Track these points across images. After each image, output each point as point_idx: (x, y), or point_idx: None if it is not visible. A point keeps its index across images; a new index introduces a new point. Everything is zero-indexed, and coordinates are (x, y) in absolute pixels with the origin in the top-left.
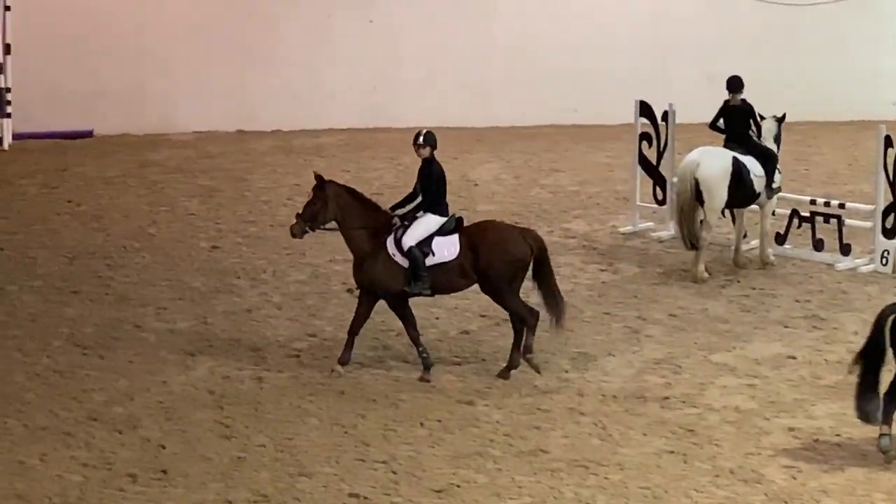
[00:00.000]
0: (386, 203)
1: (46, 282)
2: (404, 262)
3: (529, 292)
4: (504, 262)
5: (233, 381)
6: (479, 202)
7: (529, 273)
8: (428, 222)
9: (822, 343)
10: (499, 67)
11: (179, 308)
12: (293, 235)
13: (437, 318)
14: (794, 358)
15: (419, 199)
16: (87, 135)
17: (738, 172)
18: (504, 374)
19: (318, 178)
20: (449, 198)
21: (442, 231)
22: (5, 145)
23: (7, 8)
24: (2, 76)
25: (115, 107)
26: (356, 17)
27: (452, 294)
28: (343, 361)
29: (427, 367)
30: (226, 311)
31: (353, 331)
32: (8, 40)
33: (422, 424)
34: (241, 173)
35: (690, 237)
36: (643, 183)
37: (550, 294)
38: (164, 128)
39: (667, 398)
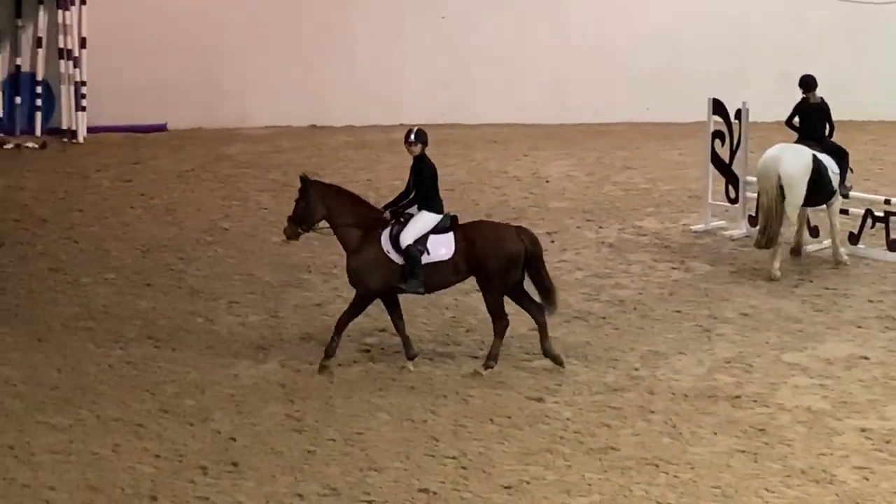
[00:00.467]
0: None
1: (120, 274)
2: (398, 259)
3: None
4: (498, 258)
5: (303, 374)
6: (551, 199)
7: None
8: (424, 220)
9: (895, 343)
10: (572, 64)
11: (251, 302)
12: (287, 238)
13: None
14: (866, 358)
15: (412, 196)
16: (161, 129)
17: (818, 170)
18: (479, 374)
19: (303, 178)
20: (521, 194)
21: (437, 229)
22: (80, 138)
23: (83, 2)
24: (77, 70)
25: (189, 101)
26: (428, 13)
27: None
28: (329, 355)
29: (410, 357)
30: (297, 305)
31: (340, 329)
32: (84, 34)
33: (492, 421)
34: (312, 168)
35: (774, 234)
36: (715, 181)
37: (543, 282)
38: (237, 122)
39: (738, 397)
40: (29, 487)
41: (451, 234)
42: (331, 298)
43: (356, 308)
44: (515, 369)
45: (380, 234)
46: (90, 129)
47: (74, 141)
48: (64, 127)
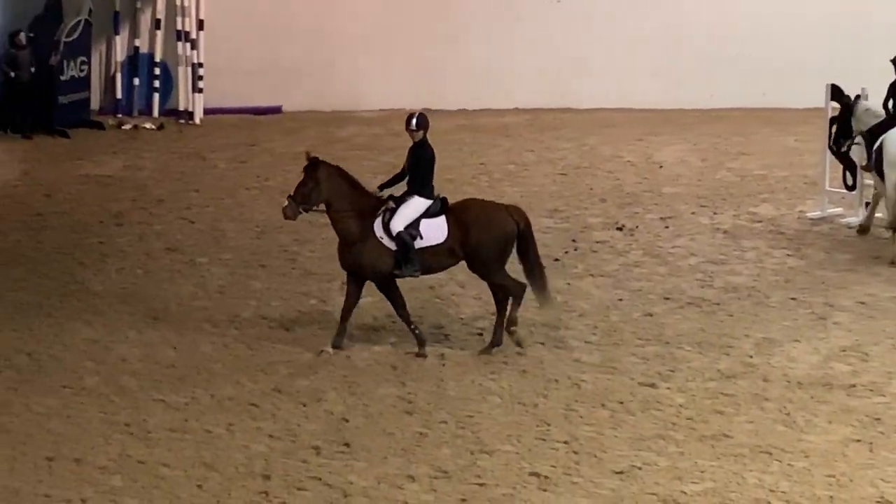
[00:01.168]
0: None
1: (235, 255)
2: (391, 245)
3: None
4: (492, 239)
5: (415, 357)
6: (665, 184)
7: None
8: (415, 205)
9: None
10: (687, 49)
11: (366, 284)
12: (286, 217)
13: (620, 300)
14: None
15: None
16: (277, 111)
17: None
18: (487, 350)
19: (312, 158)
20: (634, 180)
21: (428, 213)
22: (197, 120)
23: None
24: (195, 52)
25: (304, 84)
26: None
27: (636, 277)
28: (336, 346)
29: (421, 342)
30: (410, 287)
31: (345, 317)
32: (202, 16)
33: (603, 406)
34: None
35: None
36: (832, 168)
37: (534, 267)
38: (351, 105)
39: (853, 386)
40: (145, 464)
41: (443, 218)
42: (444, 281)
43: (390, 297)
44: (628, 354)
45: (370, 226)
46: (206, 111)
47: (191, 122)
48: (181, 108)
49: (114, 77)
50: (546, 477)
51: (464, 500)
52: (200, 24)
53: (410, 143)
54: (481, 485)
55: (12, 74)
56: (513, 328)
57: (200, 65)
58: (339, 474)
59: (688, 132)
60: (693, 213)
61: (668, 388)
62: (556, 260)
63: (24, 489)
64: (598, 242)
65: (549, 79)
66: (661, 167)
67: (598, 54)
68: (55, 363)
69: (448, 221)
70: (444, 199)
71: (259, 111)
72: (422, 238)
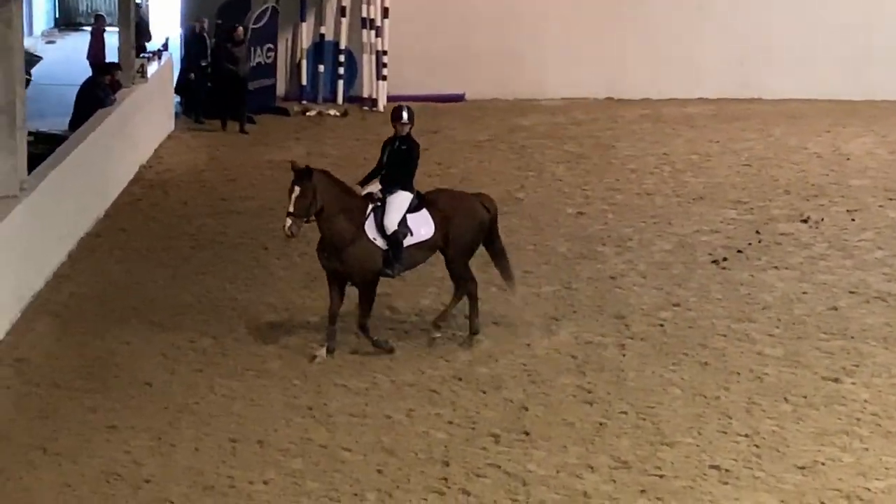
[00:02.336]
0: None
1: None
2: (383, 245)
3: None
4: (471, 228)
5: (595, 347)
6: (852, 177)
7: None
8: (402, 201)
9: None
10: (876, 39)
11: (544, 272)
12: (291, 235)
13: (804, 293)
14: None
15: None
16: (459, 98)
17: None
18: (468, 342)
19: (303, 169)
20: (820, 171)
21: (410, 208)
22: (380, 107)
23: None
24: (379, 39)
25: (487, 72)
26: None
27: (821, 270)
28: (330, 350)
29: (383, 347)
30: (590, 277)
31: (333, 321)
32: (386, 4)
33: (786, 399)
34: (608, 140)
35: None
36: None
37: (500, 255)
38: (534, 93)
39: None
40: (326, 448)
41: (425, 212)
42: (625, 271)
43: (370, 298)
44: (812, 349)
45: (363, 224)
46: (390, 98)
47: (374, 109)
48: (365, 95)
49: (299, 64)
50: (727, 470)
51: (643, 491)
52: (385, 12)
53: (595, 134)
54: (661, 476)
55: (230, 68)
56: (442, 323)
57: (385, 52)
58: (518, 462)
59: (876, 124)
60: (881, 206)
61: (853, 384)
62: (740, 252)
63: (208, 470)
64: (782, 234)
65: (734, 68)
66: (848, 159)
67: (784, 44)
68: (239, 346)
69: (431, 214)
70: (418, 192)
71: (442, 98)
72: (412, 234)
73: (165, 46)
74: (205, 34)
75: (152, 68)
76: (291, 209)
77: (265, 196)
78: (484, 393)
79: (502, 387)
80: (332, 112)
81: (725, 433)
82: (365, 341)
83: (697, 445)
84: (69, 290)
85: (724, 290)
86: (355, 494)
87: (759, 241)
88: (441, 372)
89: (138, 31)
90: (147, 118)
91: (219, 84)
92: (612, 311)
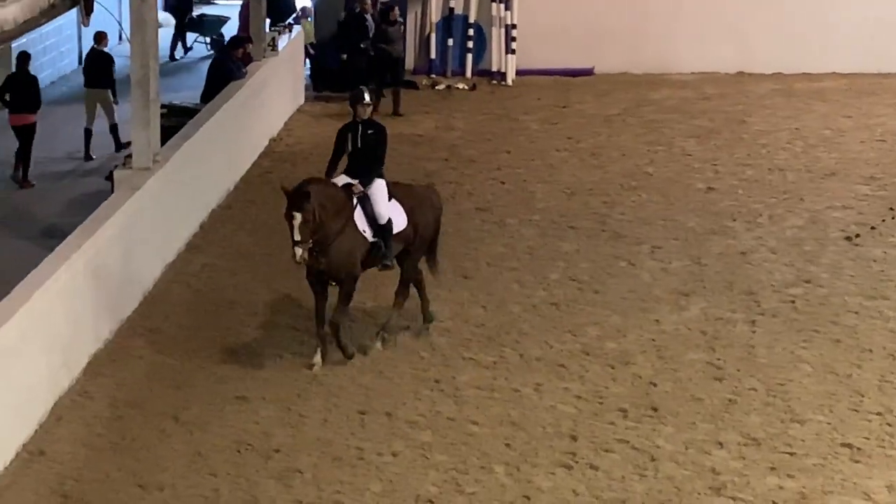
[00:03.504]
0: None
1: (544, 216)
2: (370, 237)
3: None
4: (434, 221)
5: (725, 323)
6: None
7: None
8: (383, 189)
9: None
10: None
11: (674, 248)
12: (303, 262)
13: None
14: None
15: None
16: (588, 73)
17: None
18: (425, 328)
19: (300, 191)
20: None
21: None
22: (509, 81)
23: None
24: (508, 13)
25: (616, 46)
26: None
27: None
28: (324, 355)
29: (346, 353)
30: (720, 252)
31: (322, 324)
32: None
33: None
34: (739, 115)
35: None
36: None
37: (435, 243)
38: (663, 67)
39: None
40: (454, 420)
41: (395, 202)
42: (755, 247)
43: (351, 295)
44: None
45: (351, 217)
46: (519, 72)
47: (503, 83)
48: (493, 69)
49: (428, 37)
50: (859, 448)
51: (773, 468)
52: None
53: (725, 109)
54: (791, 454)
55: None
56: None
57: (514, 26)
58: (646, 438)
59: None
60: None
61: None
62: (873, 228)
63: (337, 441)
64: None
65: (866, 42)
66: None
67: None
68: (368, 319)
69: (402, 204)
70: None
71: (571, 73)
72: (395, 223)
73: (305, 13)
74: (366, 15)
75: (283, 42)
76: (297, 237)
77: (394, 170)
78: (612, 368)
79: (630, 362)
80: (460, 86)
81: (857, 411)
82: (332, 340)
83: (829, 423)
84: (201, 262)
85: (857, 267)
86: (483, 467)
87: (893, 218)
88: (569, 346)
89: (281, 6)
90: (277, 91)
91: (373, 65)
92: (742, 287)
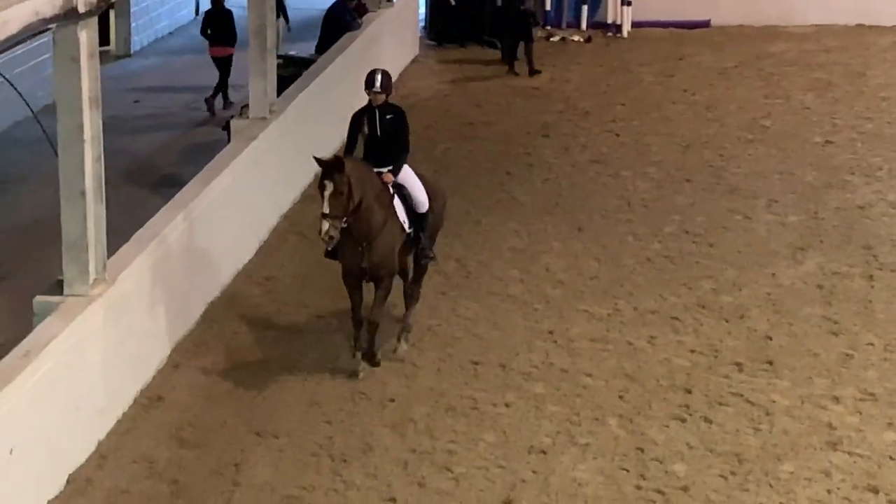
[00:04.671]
0: None
1: (660, 169)
2: (407, 227)
3: None
4: (442, 211)
5: (842, 277)
6: None
7: None
8: (413, 176)
9: None
10: None
11: (791, 201)
12: (331, 239)
13: None
14: None
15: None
16: (705, 25)
17: None
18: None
19: (332, 160)
20: None
21: None
22: (624, 33)
23: None
24: None
25: None
26: None
27: None
28: (359, 361)
29: (373, 359)
30: (838, 207)
31: (360, 324)
32: None
33: None
34: (858, 68)
35: None
36: None
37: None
38: (781, 20)
39: None
40: (567, 372)
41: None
42: (873, 201)
43: (387, 296)
44: None
45: (391, 206)
46: (634, 24)
47: (619, 35)
48: (609, 21)
49: None
50: None
51: (890, 423)
52: None
53: (844, 61)
54: None
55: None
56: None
57: None
58: (761, 392)
59: None
60: None
61: None
62: None
63: (451, 391)
64: None
65: None
66: None
67: None
68: (482, 270)
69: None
70: None
71: (687, 25)
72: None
73: None
74: None
75: None
76: (326, 210)
77: (509, 122)
78: (727, 322)
79: (746, 316)
80: (575, 38)
81: None
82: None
83: None
84: (315, 212)
85: None
86: (596, 419)
87: None
88: (684, 300)
89: None
90: (392, 42)
91: (505, 22)
92: (860, 242)
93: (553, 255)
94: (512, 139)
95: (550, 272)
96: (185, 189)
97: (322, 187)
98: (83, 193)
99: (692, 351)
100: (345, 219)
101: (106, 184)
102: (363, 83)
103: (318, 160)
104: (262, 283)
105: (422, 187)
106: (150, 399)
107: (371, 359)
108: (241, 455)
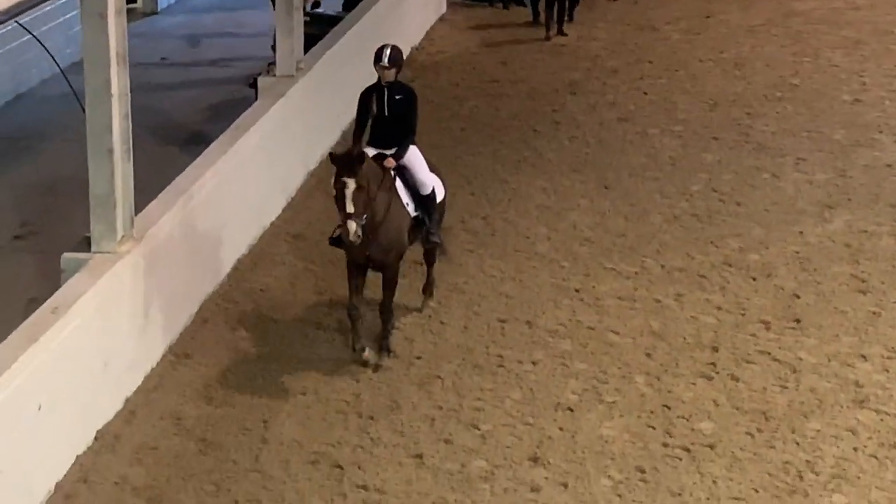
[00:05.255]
0: None
1: (687, 127)
2: (412, 211)
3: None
4: (444, 193)
5: (870, 235)
6: None
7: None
8: (419, 156)
9: None
10: None
11: (818, 160)
12: (355, 239)
13: None
14: None
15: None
16: None
17: None
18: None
19: (353, 154)
20: None
21: None
22: None
23: None
24: None
25: None
26: None
27: None
28: (363, 346)
29: (387, 348)
30: (866, 165)
31: (357, 314)
32: None
33: None
34: (887, 26)
35: None
36: None
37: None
38: None
39: None
40: (594, 330)
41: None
42: None
43: (395, 283)
44: None
45: (393, 189)
46: None
47: None
48: None
49: None
50: None
51: None
52: None
53: (873, 20)
54: None
55: None
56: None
57: None
58: (788, 350)
59: None
60: None
61: None
62: None
63: (478, 348)
64: None
65: None
66: None
67: None
68: (509, 227)
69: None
70: None
71: None
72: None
73: None
74: None
75: None
76: (350, 209)
77: (536, 80)
78: (754, 280)
79: (773, 274)
80: None
81: None
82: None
83: None
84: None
85: None
86: (623, 377)
87: None
88: (711, 258)
89: None
90: (418, 1)
91: None
92: (888, 200)
93: (580, 212)
94: (539, 97)
95: (577, 230)
96: (212, 146)
97: (343, 185)
98: (111, 150)
99: (719, 309)
100: (365, 216)
101: (133, 141)
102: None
103: (336, 156)
104: (290, 241)
105: (427, 168)
106: (177, 356)
107: (388, 348)
108: (269, 412)
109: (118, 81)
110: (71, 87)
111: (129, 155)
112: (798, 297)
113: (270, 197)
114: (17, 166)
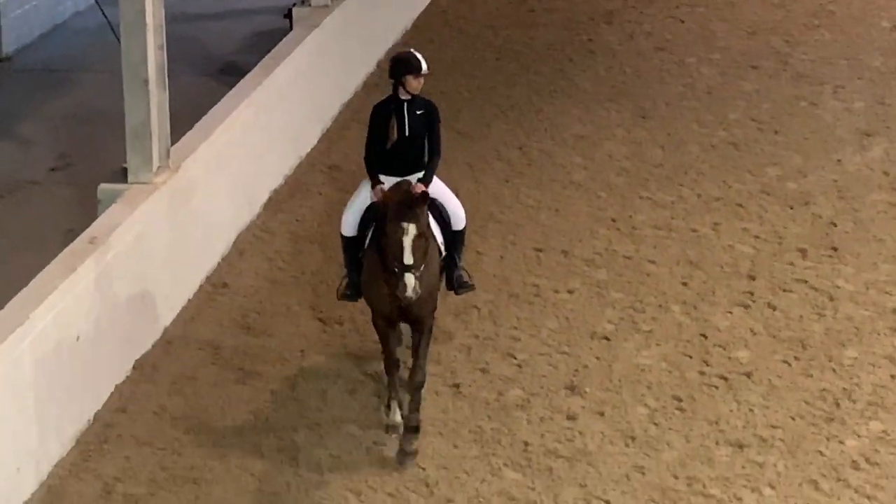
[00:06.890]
0: None
1: (724, 56)
2: (443, 250)
3: None
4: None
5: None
6: None
7: None
8: (444, 186)
9: None
10: None
11: (857, 87)
12: (413, 298)
13: None
14: None
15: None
16: None
17: None
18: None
19: (416, 196)
20: None
21: None
22: None
23: None
24: None
25: None
26: None
27: None
28: (399, 402)
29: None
30: None
31: (396, 370)
32: None
33: None
34: None
35: None
36: None
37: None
38: None
39: None
40: (630, 259)
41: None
42: None
43: (430, 343)
44: None
45: (429, 229)
46: None
47: None
48: None
49: None
50: None
51: None
52: None
53: None
54: None
55: None
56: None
57: None
58: (825, 278)
59: None
60: None
61: None
62: None
63: (514, 278)
64: None
65: None
66: None
67: None
68: (545, 157)
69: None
70: None
71: None
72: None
73: None
74: None
75: None
76: (409, 260)
77: (571, 8)
78: (791, 208)
79: (811, 202)
80: None
81: None
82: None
83: None
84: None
85: None
86: (660, 306)
87: None
88: (748, 187)
89: None
90: None
91: None
92: None
93: (616, 142)
94: (574, 26)
95: (614, 159)
96: (247, 77)
97: (402, 231)
98: (146, 81)
99: (756, 237)
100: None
101: (168, 72)
102: (393, 71)
103: (388, 197)
104: (326, 172)
105: (455, 198)
106: (214, 286)
107: (411, 425)
108: (306, 342)
109: (153, 12)
110: (106, 18)
111: (164, 85)
112: (835, 224)
113: (306, 128)
114: (52, 98)
